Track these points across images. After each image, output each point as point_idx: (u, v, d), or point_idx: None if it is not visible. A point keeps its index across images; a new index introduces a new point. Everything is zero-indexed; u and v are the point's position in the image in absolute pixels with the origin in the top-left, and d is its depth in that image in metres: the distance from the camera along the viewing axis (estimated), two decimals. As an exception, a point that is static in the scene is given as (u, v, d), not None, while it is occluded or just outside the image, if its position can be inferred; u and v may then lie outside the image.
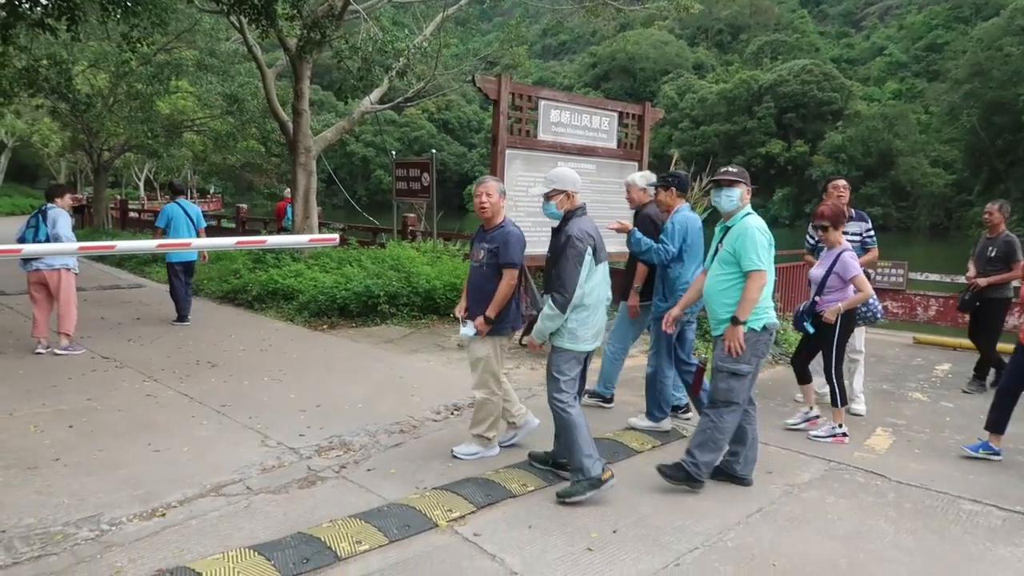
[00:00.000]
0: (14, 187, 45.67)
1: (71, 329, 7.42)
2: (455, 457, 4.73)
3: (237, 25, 12.66)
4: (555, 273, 4.15)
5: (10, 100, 15.23)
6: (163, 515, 3.83)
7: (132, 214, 25.10)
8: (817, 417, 5.60)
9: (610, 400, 6.04)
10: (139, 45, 10.75)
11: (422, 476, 4.43)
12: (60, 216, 7.37)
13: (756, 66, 74.84)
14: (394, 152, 16.92)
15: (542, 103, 8.34)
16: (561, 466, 4.43)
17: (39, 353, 7.23)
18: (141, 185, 49.48)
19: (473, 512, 3.93)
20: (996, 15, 56.23)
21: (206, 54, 18.71)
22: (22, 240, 7.30)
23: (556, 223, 4.30)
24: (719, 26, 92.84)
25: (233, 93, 17.92)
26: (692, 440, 4.38)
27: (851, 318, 5.45)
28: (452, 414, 5.72)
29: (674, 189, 5.43)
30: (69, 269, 7.51)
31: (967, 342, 8.75)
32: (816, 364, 5.63)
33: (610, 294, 4.41)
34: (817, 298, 5.36)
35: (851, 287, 5.33)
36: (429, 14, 16.38)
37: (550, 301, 4.12)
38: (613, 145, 9.11)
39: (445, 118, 78.27)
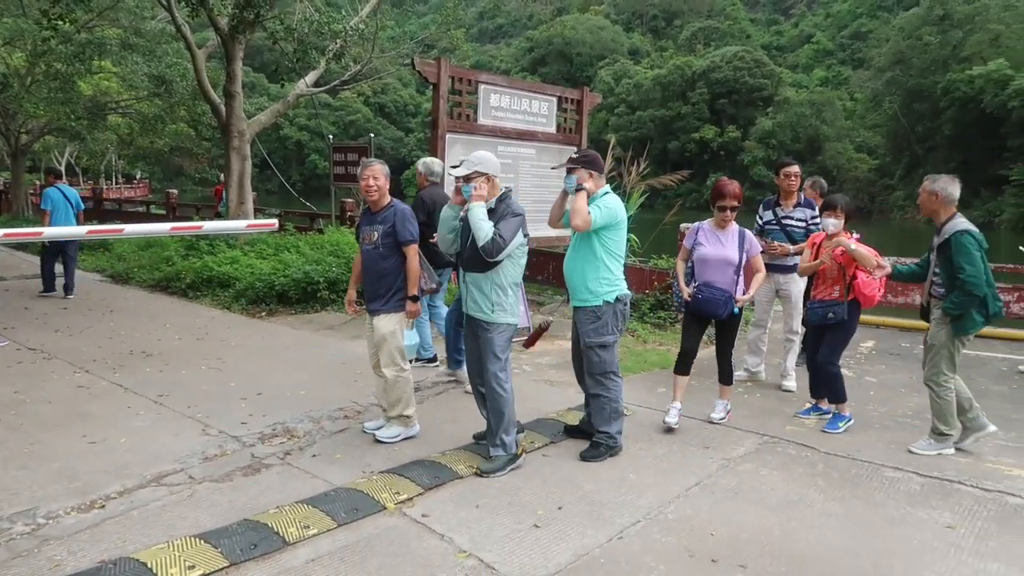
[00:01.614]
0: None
1: None
2: (378, 442, 4.74)
3: (165, 3, 12.24)
4: (502, 231, 4.14)
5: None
6: (102, 507, 3.75)
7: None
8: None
9: (433, 359, 6.66)
10: (61, 22, 10.29)
11: (368, 460, 4.44)
12: None
13: (690, 52, 76.14)
14: (331, 136, 16.64)
15: (482, 87, 8.36)
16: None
17: None
18: (62, 170, 47.38)
19: (421, 494, 3.97)
20: (916, 4, 58.38)
21: (131, 33, 17.99)
22: None
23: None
24: (654, 11, 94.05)
25: (160, 74, 17.30)
26: (596, 420, 4.68)
27: None
28: (396, 398, 5.72)
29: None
30: None
31: (890, 320, 9.20)
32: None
33: None
34: (739, 278, 5.17)
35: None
36: (365, -5, 16.09)
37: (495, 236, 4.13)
38: (552, 129, 9.20)
39: (381, 102, 77.25)
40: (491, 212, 4.29)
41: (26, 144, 22.21)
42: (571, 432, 4.98)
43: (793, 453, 4.79)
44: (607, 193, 4.64)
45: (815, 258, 5.37)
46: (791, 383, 6.33)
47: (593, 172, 4.57)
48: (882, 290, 5.25)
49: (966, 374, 6.18)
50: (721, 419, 5.33)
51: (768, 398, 6.04)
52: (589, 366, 4.66)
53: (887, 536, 3.68)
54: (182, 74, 17.28)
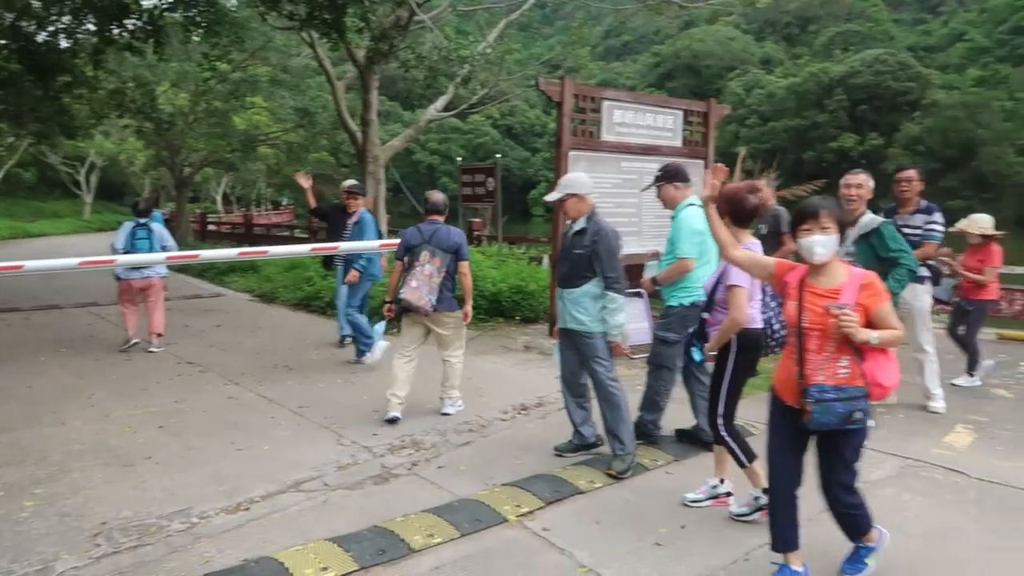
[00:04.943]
0: (103, 204, 47.99)
1: (163, 329, 8.16)
2: (444, 414, 5.65)
3: (308, 40, 13.10)
4: (606, 267, 4.42)
5: (100, 121, 16.10)
6: (247, 509, 4.03)
7: (211, 227, 26.16)
8: (729, 494, 4.02)
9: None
10: (218, 63, 11.25)
11: (491, 473, 4.52)
12: (164, 231, 8.10)
13: (827, 58, 72.69)
14: (460, 159, 17.21)
15: (605, 103, 8.36)
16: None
17: (128, 349, 7.95)
18: (219, 199, 51.44)
19: (542, 508, 4.00)
20: (1087, -7, 53.25)
21: (279, 70, 19.41)
22: (129, 250, 7.72)
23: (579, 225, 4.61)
24: (787, 19, 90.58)
25: (304, 107, 18.57)
26: (640, 405, 4.98)
27: (753, 349, 3.85)
28: (519, 413, 5.81)
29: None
30: (164, 277, 8.32)
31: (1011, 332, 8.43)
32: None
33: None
34: (705, 315, 3.93)
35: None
36: (492, 21, 16.57)
37: (615, 296, 4.41)
38: (678, 143, 9.05)
39: (508, 123, 78.53)
40: (583, 232, 4.54)
41: (188, 176, 24.34)
42: (682, 437, 5.07)
43: (940, 478, 4.46)
44: (688, 206, 4.79)
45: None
46: (938, 404, 5.87)
47: (678, 184, 4.84)
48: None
49: None
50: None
51: (912, 419, 5.64)
52: (650, 355, 4.99)
53: (1051, 573, 3.35)
54: (323, 106, 18.46)
